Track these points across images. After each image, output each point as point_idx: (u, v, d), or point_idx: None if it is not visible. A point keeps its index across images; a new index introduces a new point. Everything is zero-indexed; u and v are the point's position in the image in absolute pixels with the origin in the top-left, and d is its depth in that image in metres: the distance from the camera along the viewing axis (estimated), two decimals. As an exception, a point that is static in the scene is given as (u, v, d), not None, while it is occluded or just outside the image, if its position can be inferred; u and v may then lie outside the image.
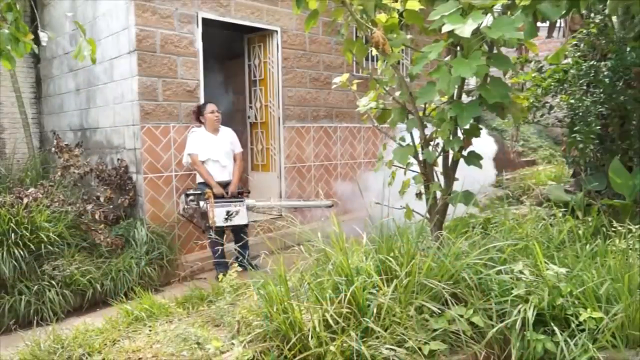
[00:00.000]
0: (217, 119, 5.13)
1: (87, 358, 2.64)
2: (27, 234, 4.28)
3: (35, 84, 7.49)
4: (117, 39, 5.42)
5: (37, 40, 3.19)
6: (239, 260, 4.39)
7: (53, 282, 4.26)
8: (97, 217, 4.94)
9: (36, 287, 4.18)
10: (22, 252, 4.18)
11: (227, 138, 5.20)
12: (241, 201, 4.96)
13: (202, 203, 4.87)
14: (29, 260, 4.27)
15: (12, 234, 4.20)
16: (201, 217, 4.93)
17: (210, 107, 5.14)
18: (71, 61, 6.47)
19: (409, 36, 3.43)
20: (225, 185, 5.05)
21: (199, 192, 4.97)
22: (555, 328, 2.17)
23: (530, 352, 2.15)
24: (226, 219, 4.85)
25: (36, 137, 7.37)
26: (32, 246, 4.29)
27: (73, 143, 5.87)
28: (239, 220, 4.90)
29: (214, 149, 5.07)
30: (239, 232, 5.03)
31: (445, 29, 2.55)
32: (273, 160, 6.78)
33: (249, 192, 5.30)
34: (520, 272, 2.34)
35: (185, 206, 4.95)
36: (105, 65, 5.68)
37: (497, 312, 2.27)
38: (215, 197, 4.89)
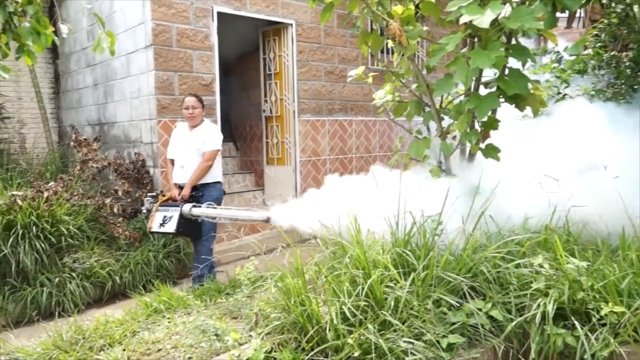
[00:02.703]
0: (190, 115, 4.51)
1: (108, 349, 2.68)
2: (48, 227, 4.35)
3: (53, 80, 7.59)
4: (133, 34, 5.46)
5: (56, 34, 3.24)
6: (194, 273, 4.27)
7: (73, 274, 4.35)
8: (115, 210, 5.01)
9: (57, 279, 4.26)
10: (43, 245, 4.26)
11: (198, 135, 4.52)
12: (177, 207, 4.24)
13: (152, 205, 4.47)
14: (50, 252, 4.35)
15: (34, 227, 4.28)
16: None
17: (186, 102, 4.56)
18: (89, 56, 6.54)
19: (425, 28, 3.41)
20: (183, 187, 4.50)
21: (154, 194, 4.69)
22: (576, 322, 2.14)
23: (550, 346, 2.13)
24: (161, 224, 4.26)
25: (55, 131, 7.48)
26: (52, 239, 4.36)
27: (91, 137, 5.94)
28: (169, 227, 4.21)
29: (178, 147, 4.61)
30: (194, 240, 4.60)
31: (463, 19, 2.53)
32: (288, 153, 6.79)
33: (202, 196, 4.47)
34: (540, 265, 2.31)
35: (147, 206, 4.53)
36: (122, 60, 5.73)
37: (516, 306, 2.25)
38: (172, 200, 4.44)
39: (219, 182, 4.65)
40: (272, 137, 7.03)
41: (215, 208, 4.12)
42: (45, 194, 4.57)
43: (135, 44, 5.44)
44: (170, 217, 4.21)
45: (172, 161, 4.64)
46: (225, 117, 6.64)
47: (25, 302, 4.11)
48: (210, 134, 4.55)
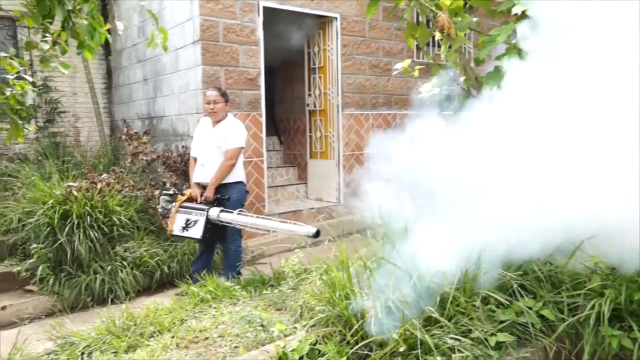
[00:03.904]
0: (211, 111, 4.24)
1: (157, 335, 2.77)
2: (101, 217, 4.52)
3: (106, 75, 7.87)
4: (182, 30, 5.58)
5: (108, 31, 3.35)
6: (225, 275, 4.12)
7: (124, 263, 4.50)
8: (163, 202, 5.15)
9: (109, 267, 4.43)
10: (96, 234, 4.43)
11: (220, 132, 4.22)
12: (202, 210, 3.97)
13: (170, 205, 4.21)
14: (103, 241, 4.52)
15: (88, 217, 4.46)
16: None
17: (208, 95, 4.30)
18: (139, 52, 6.74)
19: (474, 19, 3.32)
20: (205, 187, 4.23)
21: (171, 192, 4.35)
22: (633, 324, 2.05)
23: (604, 348, 2.05)
24: (184, 228, 4.01)
25: (107, 125, 7.76)
26: (105, 229, 4.53)
27: (141, 131, 6.13)
28: (194, 232, 3.96)
29: (199, 144, 4.39)
30: (220, 242, 4.33)
31: (517, 10, 2.45)
32: (332, 147, 6.79)
33: (227, 199, 4.15)
34: (595, 264, 2.23)
35: (164, 205, 4.25)
36: (171, 55, 5.87)
37: (569, 306, 2.18)
38: (191, 200, 4.19)
39: (241, 182, 4.33)
40: (316, 131, 7.05)
41: (248, 215, 3.85)
42: (99, 185, 4.75)
43: (184, 40, 5.57)
44: (195, 222, 3.94)
45: (196, 159, 4.39)
46: (269, 111, 6.70)
47: (80, 289, 4.29)
48: (233, 130, 4.22)
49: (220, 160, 4.17)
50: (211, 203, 4.10)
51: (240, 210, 3.94)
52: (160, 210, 4.30)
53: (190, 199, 4.18)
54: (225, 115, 4.33)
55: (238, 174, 4.30)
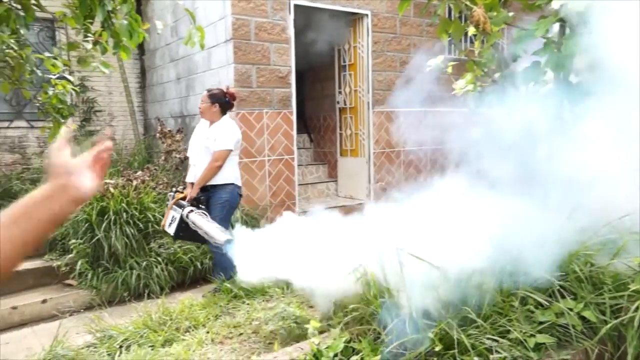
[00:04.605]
0: (201, 109, 4.26)
1: (192, 330, 2.81)
2: (137, 213, 4.62)
3: (140, 75, 8.03)
4: (214, 29, 5.65)
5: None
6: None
7: (159, 259, 4.59)
8: (196, 199, 5.22)
9: (145, 262, 4.52)
10: (132, 230, 4.53)
11: (210, 133, 4.19)
12: (182, 209, 3.84)
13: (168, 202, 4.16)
14: (138, 237, 4.62)
15: (124, 214, 4.56)
16: None
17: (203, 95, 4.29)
18: (172, 52, 6.85)
19: (510, 14, 3.26)
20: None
21: (174, 190, 4.29)
22: (680, 327, 1.98)
23: (649, 351, 1.98)
24: (169, 224, 3.95)
25: (141, 124, 7.92)
26: (140, 225, 4.63)
27: (174, 129, 6.23)
28: (171, 230, 3.88)
29: (192, 144, 4.38)
30: (209, 247, 4.26)
31: (556, 4, 2.39)
32: (362, 145, 6.77)
33: (207, 200, 4.13)
34: (639, 264, 2.15)
35: (167, 201, 4.26)
36: (204, 54, 5.94)
37: (611, 307, 2.11)
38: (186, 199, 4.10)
39: (232, 184, 4.22)
40: (346, 129, 7.03)
41: (205, 215, 3.67)
42: (134, 183, 4.86)
43: (216, 39, 5.63)
44: (174, 219, 3.88)
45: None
46: (299, 109, 6.72)
47: (116, 283, 4.39)
48: (223, 132, 4.13)
49: (208, 162, 4.13)
50: (193, 203, 3.98)
51: (203, 213, 3.74)
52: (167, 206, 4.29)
53: (185, 198, 4.13)
54: (222, 117, 4.24)
55: (227, 176, 4.19)
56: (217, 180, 4.14)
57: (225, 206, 4.12)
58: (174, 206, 3.95)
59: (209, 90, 4.30)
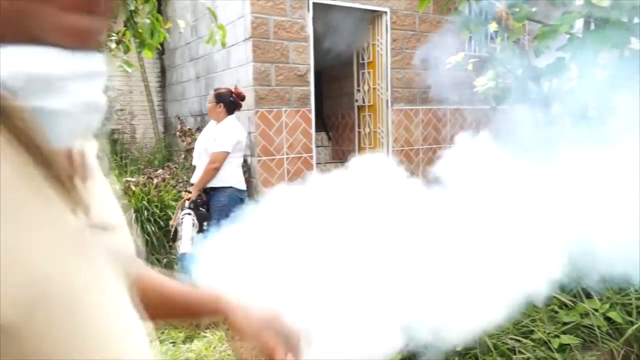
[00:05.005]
0: (208, 109, 4.17)
1: (213, 327, 2.83)
2: (157, 211, 4.67)
3: (160, 74, 8.12)
4: (233, 28, 5.67)
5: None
6: None
7: (179, 257, 4.63)
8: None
9: (165, 259, 4.57)
10: (153, 228, 4.58)
11: (212, 133, 4.05)
12: (189, 214, 3.72)
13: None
14: (159, 235, 4.67)
15: (145, 211, 4.62)
16: None
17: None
18: (192, 51, 6.90)
19: (533, 9, 3.21)
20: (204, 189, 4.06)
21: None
22: None
23: (677, 354, 1.94)
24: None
25: (161, 122, 8.00)
26: (161, 222, 4.68)
27: (194, 128, 6.28)
28: (181, 246, 3.68)
29: (196, 144, 4.25)
30: None
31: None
32: (381, 143, 6.74)
33: (205, 203, 3.97)
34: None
35: None
36: (223, 53, 5.97)
37: (637, 308, 2.07)
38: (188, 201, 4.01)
39: (231, 188, 4.00)
40: (365, 127, 7.01)
41: (194, 220, 3.63)
42: (155, 181, 4.91)
43: (235, 37, 5.66)
44: (180, 224, 3.77)
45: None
46: (317, 107, 6.71)
47: (138, 280, 4.44)
48: (223, 133, 3.95)
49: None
50: (190, 206, 3.90)
51: (195, 217, 3.69)
52: None
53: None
54: (225, 117, 4.06)
55: (225, 179, 3.97)
56: (216, 182, 3.95)
57: (223, 211, 3.87)
58: (184, 207, 3.91)
59: (215, 90, 4.19)
